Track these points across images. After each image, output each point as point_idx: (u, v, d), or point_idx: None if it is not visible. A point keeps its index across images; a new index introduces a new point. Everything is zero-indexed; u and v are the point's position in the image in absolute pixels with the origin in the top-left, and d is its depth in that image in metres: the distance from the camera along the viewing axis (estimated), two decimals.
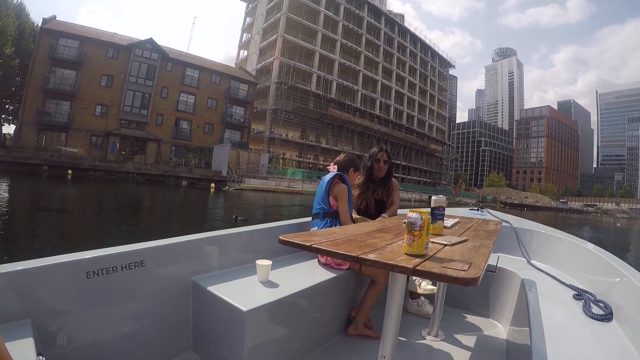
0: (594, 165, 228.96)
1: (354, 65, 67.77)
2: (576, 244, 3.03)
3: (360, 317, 2.74)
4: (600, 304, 2.05)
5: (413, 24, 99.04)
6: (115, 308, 1.96)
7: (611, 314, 1.91)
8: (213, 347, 2.18)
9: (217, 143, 46.78)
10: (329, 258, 2.80)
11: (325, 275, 2.64)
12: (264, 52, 63.07)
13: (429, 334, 2.82)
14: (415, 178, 79.42)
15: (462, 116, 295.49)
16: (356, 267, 2.76)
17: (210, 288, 2.18)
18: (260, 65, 61.79)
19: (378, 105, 72.37)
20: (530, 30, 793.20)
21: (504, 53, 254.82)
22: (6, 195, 15.40)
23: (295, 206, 23.91)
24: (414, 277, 3.07)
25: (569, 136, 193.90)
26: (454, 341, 2.77)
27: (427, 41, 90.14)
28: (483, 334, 2.95)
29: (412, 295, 3.28)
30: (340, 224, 2.99)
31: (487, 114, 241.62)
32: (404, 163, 75.72)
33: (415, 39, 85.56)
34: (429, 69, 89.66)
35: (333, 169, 3.28)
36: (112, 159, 38.36)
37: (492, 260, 3.21)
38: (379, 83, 73.30)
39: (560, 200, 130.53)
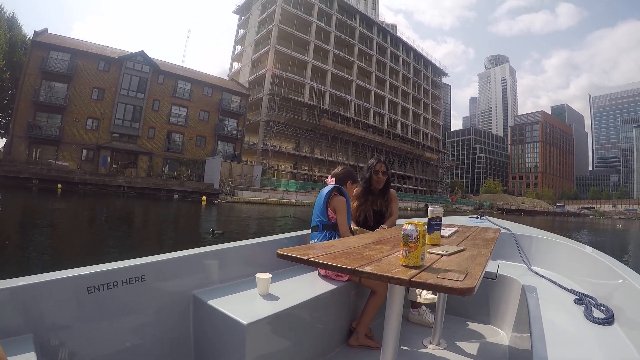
0: (590, 168, 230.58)
1: (347, 76, 67.83)
2: (576, 248, 3.06)
3: (361, 327, 2.75)
4: (602, 308, 2.04)
5: (405, 33, 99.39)
6: (117, 323, 1.97)
7: (612, 317, 1.90)
8: None
9: (210, 155, 46.47)
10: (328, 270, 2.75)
11: (326, 287, 2.67)
12: (256, 63, 63.07)
13: (431, 343, 2.82)
14: (411, 187, 79.27)
15: (456, 124, 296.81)
16: (356, 279, 2.73)
17: (210, 302, 2.19)
18: (252, 77, 61.76)
19: (372, 115, 72.40)
20: (522, 37, 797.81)
21: (497, 60, 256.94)
22: None
23: (286, 218, 23.49)
24: None
25: (563, 140, 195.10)
26: (456, 349, 2.78)
27: (420, 50, 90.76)
28: (485, 341, 2.96)
29: (413, 304, 3.30)
30: (340, 236, 2.99)
31: (482, 121, 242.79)
32: (399, 172, 75.64)
33: (407, 48, 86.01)
34: (422, 77, 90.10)
35: (331, 182, 3.28)
36: (103, 173, 37.95)
37: (493, 267, 3.24)
38: (373, 93, 73.40)
39: (557, 204, 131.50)
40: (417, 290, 3.15)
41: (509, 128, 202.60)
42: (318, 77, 62.99)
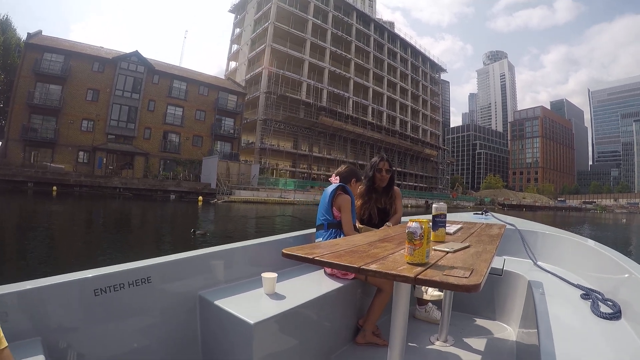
0: (590, 163, 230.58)
1: (344, 73, 67.47)
2: (582, 243, 3.06)
3: (368, 325, 2.76)
4: (609, 303, 2.02)
5: (403, 30, 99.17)
6: (124, 325, 1.97)
7: (620, 312, 1.88)
8: None
9: (207, 155, 46.01)
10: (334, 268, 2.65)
11: (332, 285, 2.67)
12: (252, 62, 62.69)
13: (438, 340, 2.82)
14: (411, 183, 78.86)
15: (456, 120, 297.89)
16: (362, 277, 2.75)
17: (217, 302, 2.19)
18: (249, 75, 61.18)
19: (370, 112, 72.00)
20: (520, 32, 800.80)
21: (495, 56, 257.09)
22: None
23: (283, 217, 23.16)
24: None
25: (563, 135, 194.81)
26: (463, 345, 2.77)
27: (418, 46, 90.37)
28: (492, 337, 2.96)
29: (419, 302, 3.32)
30: (345, 235, 2.97)
31: (481, 117, 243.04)
32: (399, 169, 75.04)
33: (405, 45, 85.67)
34: (421, 74, 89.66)
35: (335, 180, 3.27)
36: (99, 175, 37.61)
37: (498, 263, 3.24)
38: (370, 89, 73.00)
39: (559, 199, 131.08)
40: (424, 287, 3.11)
41: (508, 124, 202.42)
42: (315, 74, 62.64)
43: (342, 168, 3.47)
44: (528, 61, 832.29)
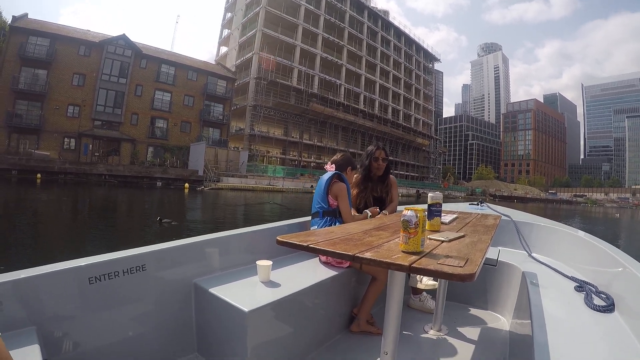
0: (582, 157, 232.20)
1: (337, 60, 66.60)
2: (576, 236, 3.07)
3: (363, 314, 2.77)
4: (602, 295, 2.04)
5: (397, 19, 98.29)
6: (119, 312, 1.97)
7: (613, 305, 1.90)
8: (217, 348, 2.19)
9: (195, 142, 45.17)
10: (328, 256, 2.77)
11: (326, 273, 2.67)
12: (243, 47, 61.56)
13: (432, 329, 2.85)
14: (403, 172, 78.33)
15: (448, 111, 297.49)
16: (357, 265, 2.75)
17: (212, 290, 2.19)
18: (239, 61, 60.21)
19: (362, 100, 71.30)
20: (515, 25, 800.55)
21: (490, 48, 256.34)
22: None
23: (269, 204, 22.72)
24: None
25: (555, 128, 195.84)
26: (457, 335, 2.80)
27: (412, 35, 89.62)
28: (486, 327, 2.98)
29: (414, 291, 3.33)
30: (341, 222, 3.02)
31: (474, 109, 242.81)
32: (390, 157, 74.10)
33: (399, 33, 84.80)
34: (414, 62, 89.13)
35: (331, 168, 3.30)
36: (84, 162, 36.69)
37: (493, 254, 3.24)
38: (363, 77, 72.25)
39: (550, 191, 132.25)
40: (418, 276, 3.18)
41: (501, 115, 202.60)
42: (307, 61, 61.74)
43: (337, 156, 3.47)
44: (522, 54, 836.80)
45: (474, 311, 3.27)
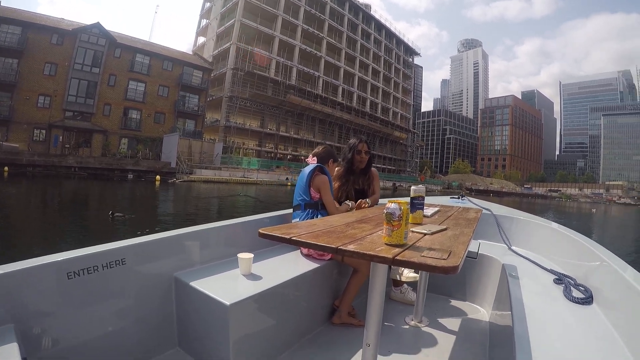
0: (557, 153, 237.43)
1: (316, 52, 66.22)
2: (556, 229, 3.10)
3: (344, 306, 2.79)
4: (581, 288, 2.08)
5: (378, 12, 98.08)
6: (99, 308, 1.94)
7: (591, 297, 1.95)
8: (199, 342, 2.17)
9: (169, 133, 44.19)
10: (311, 249, 2.78)
11: (308, 265, 2.67)
12: (221, 37, 60.62)
13: (413, 320, 2.88)
14: (380, 166, 78.54)
15: (427, 106, 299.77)
16: (338, 257, 2.77)
17: (192, 283, 2.17)
18: (217, 51, 59.29)
19: (340, 92, 71.12)
20: (496, 23, 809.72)
21: (470, 44, 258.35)
22: None
23: (238, 197, 22.50)
24: None
25: (532, 124, 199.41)
26: (438, 326, 2.84)
27: (392, 29, 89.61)
28: (466, 319, 3.01)
29: (395, 283, 3.36)
30: (323, 215, 3.02)
31: (452, 103, 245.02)
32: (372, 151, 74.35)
33: (379, 26, 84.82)
34: (394, 56, 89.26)
35: (312, 161, 3.30)
36: (54, 153, 35.54)
37: (474, 247, 3.29)
38: (342, 70, 72.02)
39: (525, 186, 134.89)
40: (400, 268, 3.18)
41: (479, 111, 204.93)
42: (285, 52, 61.16)
43: (319, 149, 3.46)
44: (502, 51, 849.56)
45: (454, 303, 3.32)
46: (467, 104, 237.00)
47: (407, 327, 2.82)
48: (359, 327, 2.64)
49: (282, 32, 60.93)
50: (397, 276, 3.23)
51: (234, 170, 42.88)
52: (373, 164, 3.78)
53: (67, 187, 24.24)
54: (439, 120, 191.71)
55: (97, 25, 41.25)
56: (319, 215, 3.01)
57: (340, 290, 2.94)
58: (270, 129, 59.63)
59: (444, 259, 1.23)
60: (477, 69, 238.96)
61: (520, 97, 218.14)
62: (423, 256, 1.27)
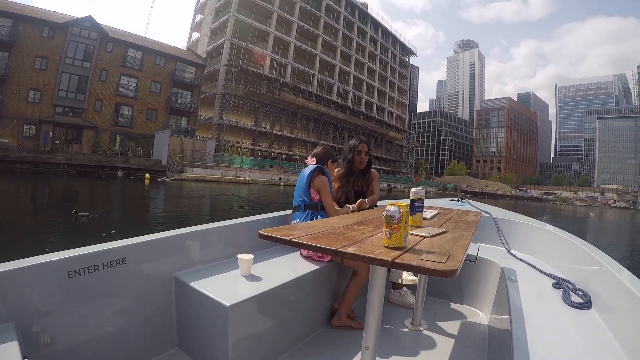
0: (552, 155, 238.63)
1: (311, 49, 65.69)
2: (555, 233, 3.09)
3: (343, 308, 2.77)
4: (579, 293, 2.08)
5: (375, 10, 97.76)
6: (99, 307, 1.95)
7: (590, 302, 1.94)
8: (198, 343, 2.17)
9: (161, 130, 43.39)
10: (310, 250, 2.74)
11: (308, 267, 2.66)
12: (215, 33, 59.85)
13: (411, 324, 2.86)
14: (375, 166, 76.24)
15: (423, 106, 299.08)
16: (338, 259, 2.78)
17: (192, 284, 2.17)
18: (210, 47, 58.61)
19: (335, 91, 70.62)
20: (492, 24, 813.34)
21: (466, 45, 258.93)
22: None
23: (227, 197, 21.91)
24: None
25: (528, 127, 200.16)
26: (436, 330, 2.82)
27: (389, 27, 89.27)
28: (465, 322, 3.00)
29: (394, 285, 3.34)
30: (322, 216, 3.01)
31: (448, 105, 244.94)
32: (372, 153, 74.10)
33: (376, 25, 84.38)
34: (390, 55, 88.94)
35: (312, 162, 3.29)
36: (43, 150, 34.73)
37: (473, 250, 3.29)
38: (337, 68, 71.47)
39: (520, 188, 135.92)
40: (399, 271, 3.12)
41: (475, 112, 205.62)
42: (280, 49, 60.61)
43: (318, 149, 3.43)
44: (498, 53, 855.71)
45: (453, 306, 3.30)
46: (462, 105, 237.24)
47: (406, 330, 2.83)
48: (358, 330, 2.65)
49: (277, 29, 60.36)
50: (397, 279, 3.22)
51: (226, 169, 42.27)
52: None
53: (52, 184, 23.57)
54: (435, 121, 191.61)
55: (89, 19, 40.39)
56: (318, 217, 3.01)
57: (339, 292, 2.94)
58: (264, 127, 59.06)
59: (442, 263, 1.24)
60: (473, 70, 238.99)
61: (516, 99, 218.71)
62: (422, 259, 1.27)
